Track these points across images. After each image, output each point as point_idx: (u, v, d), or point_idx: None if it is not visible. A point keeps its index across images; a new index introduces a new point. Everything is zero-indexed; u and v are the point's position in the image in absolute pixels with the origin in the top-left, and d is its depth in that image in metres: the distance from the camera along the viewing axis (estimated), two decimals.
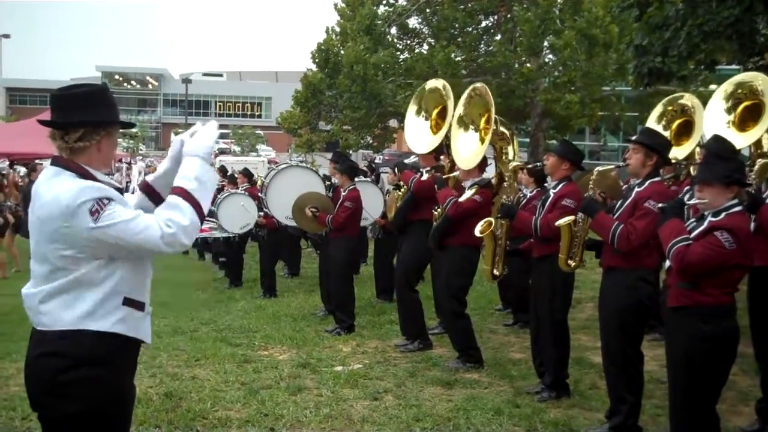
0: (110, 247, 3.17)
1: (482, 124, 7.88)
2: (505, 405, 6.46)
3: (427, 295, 9.56)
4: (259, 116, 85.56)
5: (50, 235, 3.19)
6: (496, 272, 7.05)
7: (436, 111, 8.53)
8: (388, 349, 8.59)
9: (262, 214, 12.59)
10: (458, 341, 7.82)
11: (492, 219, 6.93)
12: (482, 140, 7.77)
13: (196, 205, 3.29)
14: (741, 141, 7.10)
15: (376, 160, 32.14)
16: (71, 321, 3.19)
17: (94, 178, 3.25)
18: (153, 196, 3.59)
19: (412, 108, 8.76)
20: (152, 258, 3.45)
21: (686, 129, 7.94)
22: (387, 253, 12.20)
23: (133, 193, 3.73)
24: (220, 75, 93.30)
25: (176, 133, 3.61)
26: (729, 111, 7.32)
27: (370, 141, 32.54)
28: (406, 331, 8.71)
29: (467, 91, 8.07)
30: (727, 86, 7.43)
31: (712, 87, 30.22)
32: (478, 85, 8.14)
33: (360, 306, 10.45)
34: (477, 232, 6.97)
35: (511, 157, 8.20)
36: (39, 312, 3.24)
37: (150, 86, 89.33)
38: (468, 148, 7.85)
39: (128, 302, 3.29)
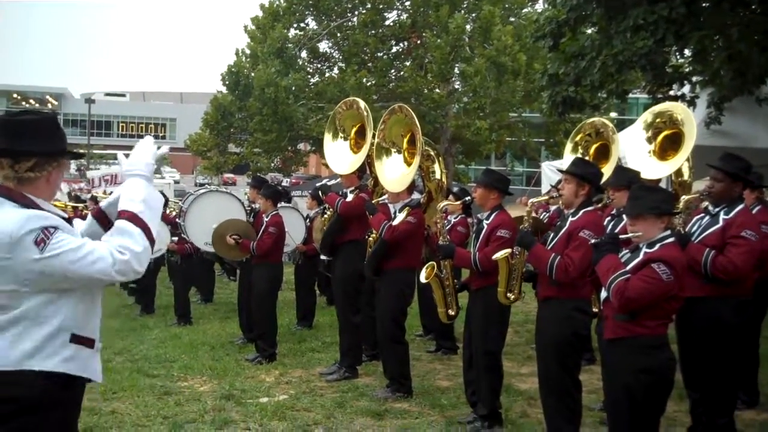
0: (57, 279, 2.95)
1: (405, 145, 7.87)
2: None
3: None
4: (164, 137, 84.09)
5: None
6: (451, 312, 7.01)
7: (354, 129, 8.47)
8: (313, 378, 8.42)
9: (175, 239, 12.28)
10: (392, 368, 7.68)
11: (434, 263, 6.90)
12: (408, 163, 7.76)
13: (145, 229, 3.12)
14: (662, 169, 7.27)
15: (283, 183, 31.98)
16: (12, 361, 2.95)
17: (39, 208, 3.04)
18: (104, 223, 3.41)
19: (328, 133, 8.67)
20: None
21: (603, 153, 8.05)
22: (307, 279, 12.08)
23: None
24: (123, 95, 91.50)
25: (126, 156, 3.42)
26: (650, 140, 7.46)
27: (278, 164, 32.46)
28: (344, 355, 8.54)
29: (386, 112, 8.04)
30: (648, 116, 7.56)
31: (612, 114, 31.24)
32: (401, 105, 8.13)
33: (279, 333, 10.25)
34: (422, 279, 6.96)
35: (438, 175, 8.22)
36: None
37: (50, 105, 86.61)
38: (395, 171, 7.83)
39: (76, 339, 3.07)
